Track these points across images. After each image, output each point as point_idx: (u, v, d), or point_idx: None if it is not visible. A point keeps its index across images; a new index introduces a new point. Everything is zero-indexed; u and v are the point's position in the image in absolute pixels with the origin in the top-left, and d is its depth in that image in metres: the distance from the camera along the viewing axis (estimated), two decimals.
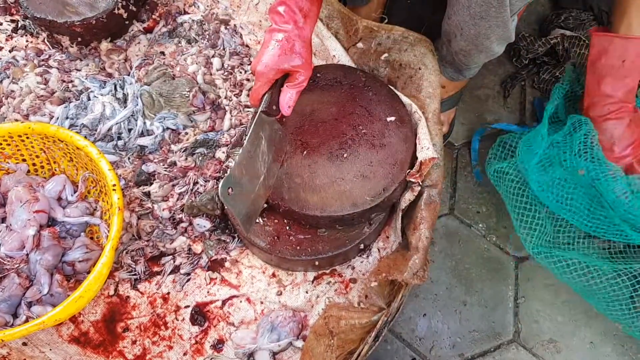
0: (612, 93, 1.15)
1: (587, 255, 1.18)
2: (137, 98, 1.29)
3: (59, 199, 1.16)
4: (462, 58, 1.16)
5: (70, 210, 1.14)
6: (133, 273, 1.14)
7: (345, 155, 1.07)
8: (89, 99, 1.31)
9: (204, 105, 1.31)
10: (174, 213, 1.20)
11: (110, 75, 1.36)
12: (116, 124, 1.27)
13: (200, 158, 1.25)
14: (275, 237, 1.10)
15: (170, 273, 1.15)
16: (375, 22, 1.25)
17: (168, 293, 1.14)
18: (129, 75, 1.36)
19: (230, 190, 0.89)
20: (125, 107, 1.29)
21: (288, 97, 0.98)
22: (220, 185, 0.88)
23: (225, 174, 0.92)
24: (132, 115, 1.28)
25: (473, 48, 1.11)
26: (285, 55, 0.93)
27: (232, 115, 1.30)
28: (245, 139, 0.93)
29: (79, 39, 1.37)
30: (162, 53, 1.40)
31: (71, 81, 1.35)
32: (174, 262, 1.16)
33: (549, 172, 1.19)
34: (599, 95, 1.16)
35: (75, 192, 1.17)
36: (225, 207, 1.13)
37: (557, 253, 1.19)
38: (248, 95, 1.34)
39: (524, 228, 1.21)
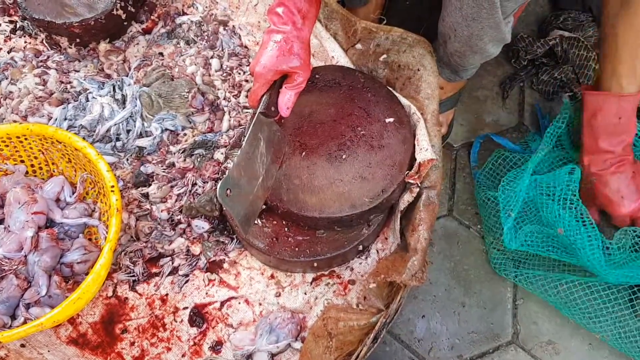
0: (611, 149, 1.16)
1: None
2: (136, 99, 1.29)
3: (57, 200, 1.16)
4: (458, 59, 1.16)
5: (69, 212, 1.14)
6: (131, 274, 1.14)
7: (343, 157, 1.07)
8: (87, 100, 1.31)
9: (203, 107, 1.31)
10: (172, 214, 1.20)
11: (108, 77, 1.36)
12: (115, 125, 1.27)
13: (198, 159, 1.25)
14: (274, 239, 1.10)
15: (169, 274, 1.15)
16: (373, 23, 1.25)
17: (166, 294, 1.13)
18: (127, 76, 1.36)
19: (228, 191, 0.89)
20: (124, 108, 1.29)
21: (287, 99, 0.98)
22: (218, 186, 0.88)
23: (224, 175, 0.92)
24: (130, 116, 1.28)
25: (467, 49, 1.11)
26: (283, 57, 0.93)
27: (230, 117, 1.30)
28: (243, 140, 0.93)
29: (78, 40, 1.37)
30: (161, 54, 1.40)
31: (70, 82, 1.35)
32: (173, 263, 1.16)
33: (523, 230, 1.20)
34: (598, 152, 1.18)
35: (73, 193, 1.17)
36: (224, 209, 1.13)
37: (525, 271, 1.23)
38: (247, 96, 1.33)
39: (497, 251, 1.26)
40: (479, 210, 1.36)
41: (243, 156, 0.93)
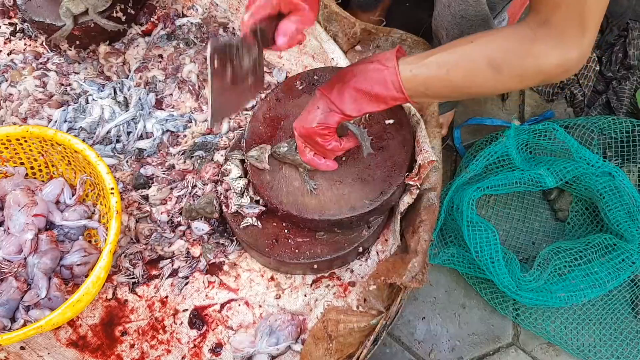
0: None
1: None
2: (141, 101, 1.29)
3: (57, 202, 1.16)
4: None
5: (69, 214, 1.14)
6: (131, 277, 1.14)
7: (343, 159, 1.07)
8: (87, 103, 1.31)
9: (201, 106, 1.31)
10: (172, 216, 1.20)
11: (108, 79, 1.36)
12: (115, 126, 1.27)
13: (198, 161, 1.24)
14: (274, 241, 1.10)
15: (169, 276, 1.15)
16: (373, 24, 1.25)
17: (166, 297, 1.13)
18: (127, 78, 1.36)
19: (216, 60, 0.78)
20: (126, 110, 1.29)
21: (287, 27, 0.83)
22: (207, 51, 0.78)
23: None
24: (132, 119, 1.28)
25: None
26: None
27: (230, 119, 1.30)
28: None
29: (77, 42, 1.37)
30: (160, 56, 1.40)
31: (69, 84, 1.35)
32: (173, 265, 1.16)
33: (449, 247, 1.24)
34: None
35: (73, 195, 1.16)
36: (231, 211, 1.11)
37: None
38: None
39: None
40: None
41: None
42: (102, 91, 1.32)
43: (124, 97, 1.31)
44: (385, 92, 0.85)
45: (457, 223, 1.22)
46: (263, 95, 1.22)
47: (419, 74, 0.83)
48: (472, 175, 1.24)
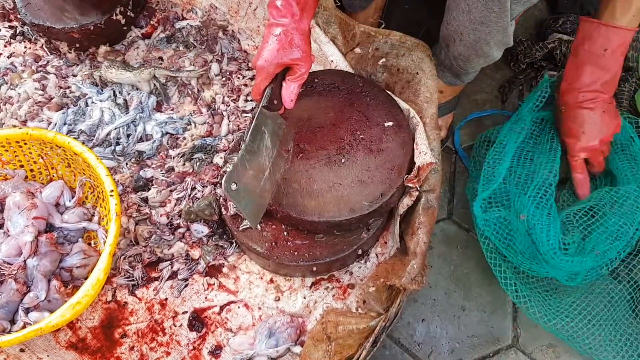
0: (590, 82, 1.12)
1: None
2: (142, 104, 1.30)
3: (57, 204, 1.16)
4: (461, 63, 1.17)
5: (68, 216, 1.14)
6: (131, 279, 1.14)
7: (342, 161, 1.07)
8: (87, 105, 1.31)
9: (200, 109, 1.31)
10: (171, 219, 1.20)
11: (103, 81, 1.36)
12: (115, 129, 1.27)
13: (198, 163, 1.25)
14: (273, 243, 1.10)
15: (168, 279, 1.15)
16: (372, 27, 1.25)
17: (166, 299, 1.13)
18: None
19: (233, 185, 0.90)
20: (126, 113, 1.29)
21: (290, 91, 0.98)
22: (223, 180, 0.88)
23: (228, 169, 0.92)
24: (132, 121, 1.28)
25: (472, 53, 1.11)
26: (284, 50, 0.93)
27: (229, 121, 1.30)
28: (247, 135, 0.94)
29: (77, 45, 1.37)
30: (160, 58, 1.40)
31: (69, 87, 1.35)
32: (172, 267, 1.16)
33: (493, 211, 1.19)
34: (577, 82, 1.14)
35: (72, 197, 1.17)
36: (230, 214, 1.13)
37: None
38: (246, 100, 1.34)
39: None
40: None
41: (247, 149, 0.93)
42: (101, 94, 1.32)
43: (124, 100, 1.32)
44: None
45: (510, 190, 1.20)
46: None
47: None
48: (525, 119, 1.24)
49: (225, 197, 1.15)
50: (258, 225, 1.10)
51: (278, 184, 1.03)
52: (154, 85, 1.33)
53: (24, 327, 1.02)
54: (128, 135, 1.28)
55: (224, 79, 1.37)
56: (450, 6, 1.05)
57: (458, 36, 1.08)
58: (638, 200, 1.15)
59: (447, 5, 1.07)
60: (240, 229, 1.11)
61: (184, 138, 1.29)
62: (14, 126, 1.29)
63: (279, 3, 0.93)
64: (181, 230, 1.19)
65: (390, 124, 1.11)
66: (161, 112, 1.33)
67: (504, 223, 1.19)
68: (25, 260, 1.08)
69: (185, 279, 1.15)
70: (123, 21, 1.39)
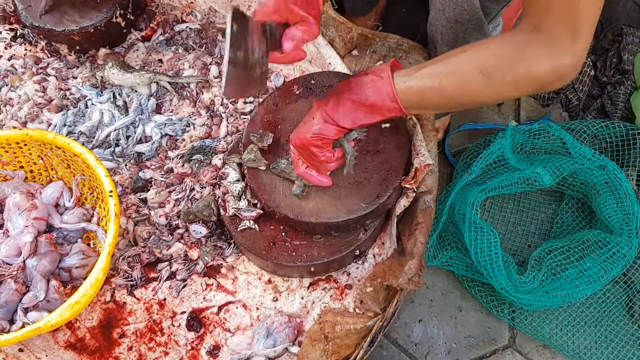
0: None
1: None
2: (141, 106, 1.31)
3: (57, 205, 1.17)
4: None
5: (68, 217, 1.15)
6: (129, 279, 1.15)
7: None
8: (86, 107, 1.32)
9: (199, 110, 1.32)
10: (170, 219, 1.20)
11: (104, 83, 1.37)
12: (114, 130, 1.28)
13: (196, 165, 1.25)
14: (271, 244, 1.10)
15: (167, 279, 1.16)
16: (370, 30, 1.26)
17: (164, 299, 1.14)
18: None
19: (235, 26, 0.79)
20: (126, 114, 1.30)
21: (294, 33, 0.85)
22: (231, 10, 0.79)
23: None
24: (132, 123, 1.29)
25: None
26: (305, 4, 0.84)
27: (228, 123, 1.31)
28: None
29: (77, 47, 1.38)
30: (160, 61, 1.41)
31: (69, 89, 1.36)
32: (170, 268, 1.16)
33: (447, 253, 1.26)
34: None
35: (71, 197, 1.17)
36: (229, 214, 1.12)
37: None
38: (244, 102, 1.34)
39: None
40: None
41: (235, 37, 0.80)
42: (101, 95, 1.33)
43: (123, 102, 1.32)
44: (381, 103, 0.85)
45: (458, 226, 1.23)
46: (261, 100, 1.23)
47: (413, 84, 0.83)
48: (473, 177, 1.25)
49: (224, 191, 1.15)
50: (249, 212, 1.09)
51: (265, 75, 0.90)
52: (155, 87, 1.34)
53: (22, 326, 1.03)
54: (127, 137, 1.29)
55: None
56: (430, 6, 1.07)
57: (439, 35, 1.09)
58: (622, 252, 1.17)
59: (429, 6, 1.08)
60: (239, 229, 1.12)
61: (183, 140, 1.29)
62: (14, 127, 1.29)
63: None
64: (180, 231, 1.19)
65: (387, 125, 1.12)
66: (160, 113, 1.33)
67: (458, 261, 1.25)
68: (24, 261, 1.08)
69: (184, 280, 1.15)
70: (123, 24, 1.39)
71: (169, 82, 1.34)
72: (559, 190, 1.34)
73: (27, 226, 1.09)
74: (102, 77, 1.34)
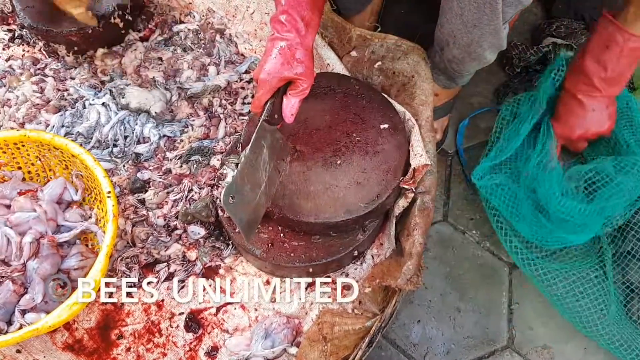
0: (589, 74, 1.13)
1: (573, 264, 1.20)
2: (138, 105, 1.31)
3: (58, 203, 1.17)
4: (455, 66, 1.18)
5: (69, 215, 1.15)
6: (128, 280, 1.14)
7: (339, 162, 1.08)
8: (84, 107, 1.32)
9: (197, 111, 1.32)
10: (168, 220, 1.20)
11: (103, 83, 1.37)
12: (112, 129, 1.28)
13: (195, 165, 1.25)
14: (270, 244, 1.10)
15: (165, 280, 1.15)
16: (368, 30, 1.26)
17: (162, 300, 1.14)
18: (122, 78, 1.37)
19: (231, 198, 0.89)
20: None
21: (291, 105, 0.98)
22: (222, 193, 0.88)
23: (227, 183, 0.92)
24: (128, 122, 1.29)
25: (466, 56, 1.12)
26: (287, 64, 0.94)
27: (226, 123, 1.31)
28: (240, 148, 0.94)
29: (75, 48, 1.38)
30: (160, 59, 1.41)
31: (66, 90, 1.36)
32: (169, 269, 1.16)
33: (494, 177, 1.20)
34: (578, 71, 1.15)
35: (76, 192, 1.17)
36: (226, 215, 1.13)
37: (541, 262, 1.20)
38: (242, 103, 1.35)
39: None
40: (473, 216, 1.37)
41: (246, 163, 0.93)
42: (98, 97, 1.33)
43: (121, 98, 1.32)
44: None
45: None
46: None
47: None
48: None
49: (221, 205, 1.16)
50: (254, 233, 1.09)
51: (272, 198, 1.03)
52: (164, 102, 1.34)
53: (20, 328, 1.02)
54: (125, 137, 1.29)
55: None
56: (443, 9, 1.06)
57: (452, 39, 1.09)
58: None
59: (440, 8, 1.08)
60: (237, 230, 1.12)
61: (181, 140, 1.29)
62: (12, 128, 1.29)
63: (283, 18, 0.93)
64: (178, 231, 1.19)
65: (386, 126, 1.12)
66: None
67: (505, 190, 1.19)
68: (25, 263, 1.08)
69: (182, 280, 1.15)
70: (121, 24, 1.39)
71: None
72: None
73: (30, 228, 1.09)
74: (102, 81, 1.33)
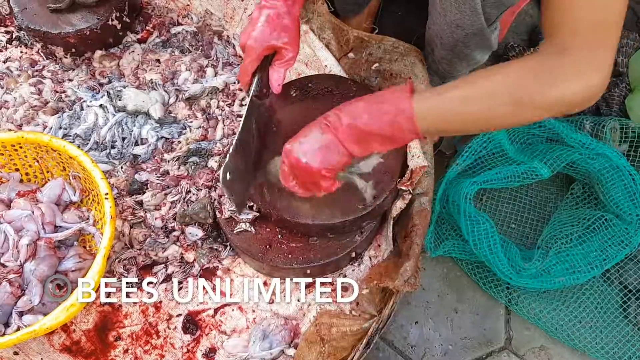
0: None
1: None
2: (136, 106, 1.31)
3: (57, 204, 1.17)
4: (446, 66, 1.18)
5: (68, 215, 1.15)
6: (126, 281, 1.14)
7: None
8: (82, 109, 1.32)
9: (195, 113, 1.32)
10: (166, 222, 1.20)
11: (101, 85, 1.37)
12: (109, 130, 1.28)
13: (192, 167, 1.25)
14: (267, 246, 1.10)
15: (163, 282, 1.15)
16: (366, 32, 1.26)
17: (160, 302, 1.14)
18: (120, 80, 1.37)
19: (228, 175, 0.90)
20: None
21: (278, 76, 0.99)
22: (221, 170, 0.89)
23: (224, 160, 0.92)
24: (126, 123, 1.29)
25: (454, 56, 1.12)
26: (274, 32, 0.93)
27: (224, 125, 1.31)
28: (239, 125, 0.95)
29: (73, 50, 1.38)
30: (158, 60, 1.41)
31: (64, 91, 1.36)
32: (166, 270, 1.16)
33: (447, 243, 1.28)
34: None
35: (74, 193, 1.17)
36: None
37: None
38: (240, 105, 1.35)
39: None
40: None
41: (240, 138, 0.94)
42: (96, 99, 1.32)
43: (120, 101, 1.32)
44: (400, 135, 0.82)
45: (453, 217, 1.23)
46: None
47: (435, 111, 0.79)
48: (464, 167, 1.25)
49: (220, 193, 1.16)
50: (245, 215, 1.11)
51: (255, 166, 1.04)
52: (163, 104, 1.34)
53: (17, 330, 1.02)
54: (123, 139, 1.29)
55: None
56: (430, 10, 1.07)
57: (439, 39, 1.09)
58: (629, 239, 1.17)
59: (429, 10, 1.08)
60: (235, 232, 1.12)
61: (179, 142, 1.29)
62: (10, 130, 1.29)
63: None
64: (176, 233, 1.19)
65: None
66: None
67: (459, 248, 1.25)
68: (22, 265, 1.08)
69: (180, 282, 1.15)
70: (119, 26, 1.39)
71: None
72: (564, 173, 1.32)
73: (28, 230, 1.09)
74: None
